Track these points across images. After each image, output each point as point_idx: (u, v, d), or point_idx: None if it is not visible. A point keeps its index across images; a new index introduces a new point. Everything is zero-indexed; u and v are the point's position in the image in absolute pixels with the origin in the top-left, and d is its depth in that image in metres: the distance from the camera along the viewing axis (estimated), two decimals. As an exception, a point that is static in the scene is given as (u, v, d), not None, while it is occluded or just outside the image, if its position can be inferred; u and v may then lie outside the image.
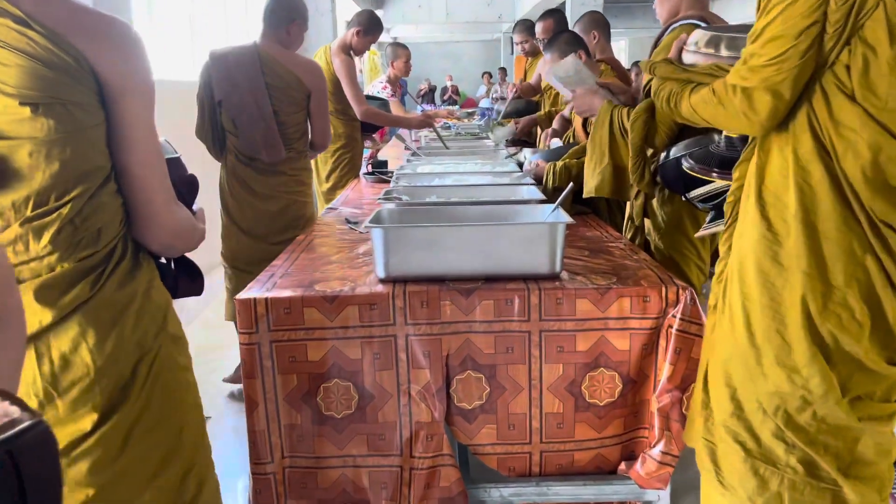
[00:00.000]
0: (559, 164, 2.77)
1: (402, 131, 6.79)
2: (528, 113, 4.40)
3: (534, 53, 4.87)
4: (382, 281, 1.86)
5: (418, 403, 1.80)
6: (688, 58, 1.73)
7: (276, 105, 3.03)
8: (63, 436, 1.17)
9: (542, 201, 2.26)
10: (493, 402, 1.82)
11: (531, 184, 2.68)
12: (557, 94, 4.06)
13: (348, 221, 2.67)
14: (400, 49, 5.22)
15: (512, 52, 13.38)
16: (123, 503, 1.22)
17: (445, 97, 16.94)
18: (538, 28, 4.09)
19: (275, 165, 3.07)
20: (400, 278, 1.85)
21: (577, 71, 2.50)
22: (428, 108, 12.28)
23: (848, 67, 1.26)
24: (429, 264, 1.83)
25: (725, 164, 1.83)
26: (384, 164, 3.83)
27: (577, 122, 3.01)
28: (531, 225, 1.89)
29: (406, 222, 2.07)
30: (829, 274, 1.32)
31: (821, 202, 1.31)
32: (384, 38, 17.77)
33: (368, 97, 4.09)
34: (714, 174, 1.86)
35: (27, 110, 1.09)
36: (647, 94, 2.12)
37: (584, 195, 2.53)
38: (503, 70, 10.85)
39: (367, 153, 4.17)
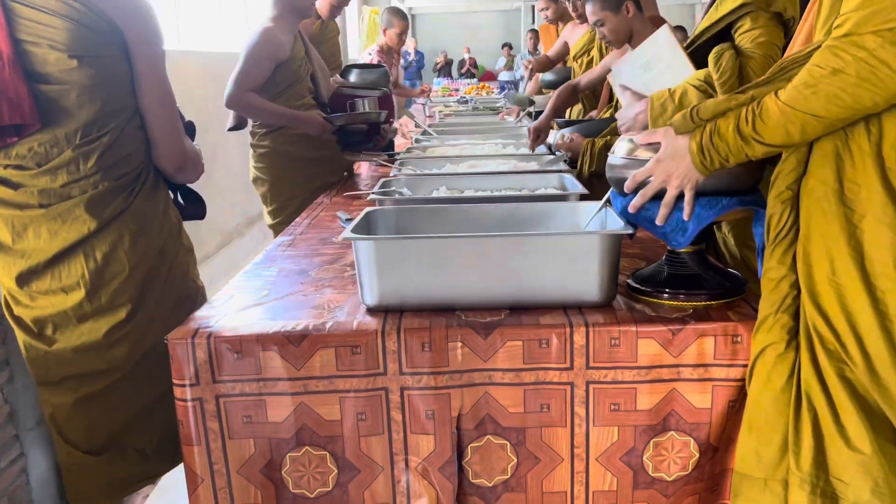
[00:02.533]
0: (599, 141, 2.25)
1: (415, 108, 6.25)
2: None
3: (559, 20, 4.30)
4: (371, 311, 1.37)
5: (420, 480, 1.32)
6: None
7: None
8: (104, 324, 1.53)
9: (584, 196, 1.75)
10: (521, 478, 1.33)
11: (565, 170, 2.16)
12: (590, 61, 3.51)
13: (342, 219, 2.18)
14: (396, 17, 4.37)
15: (533, 21, 12.71)
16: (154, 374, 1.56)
17: (463, 70, 16.29)
18: None
19: None
20: (394, 307, 1.36)
21: (671, 53, 1.87)
22: (444, 81, 11.69)
23: None
24: (433, 288, 1.34)
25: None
26: (390, 144, 3.30)
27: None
28: (575, 236, 1.38)
29: (404, 227, 1.57)
30: None
31: None
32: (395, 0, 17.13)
33: (362, 65, 3.54)
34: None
35: (74, 62, 1.41)
36: None
37: None
38: (534, 33, 9.65)
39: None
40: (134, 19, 1.47)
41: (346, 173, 3.01)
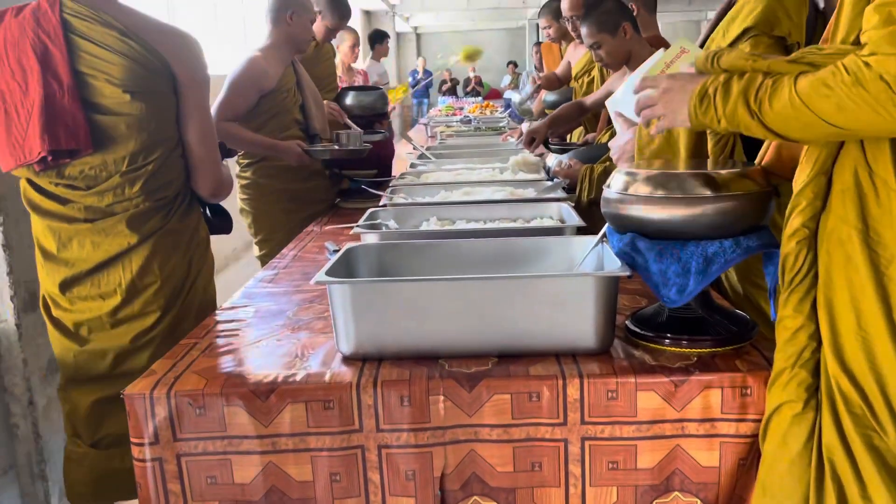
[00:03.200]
0: (598, 168, 2.15)
1: (418, 128, 6.16)
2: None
3: (561, 38, 4.21)
4: (347, 359, 1.26)
5: (399, 546, 1.20)
6: None
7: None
8: (132, 329, 1.64)
9: (581, 229, 1.64)
10: (511, 544, 1.21)
11: (563, 198, 2.06)
12: (591, 81, 3.42)
13: (329, 251, 2.07)
14: (346, 31, 4.09)
15: (538, 39, 12.68)
16: None
17: (468, 89, 16.25)
18: (564, 4, 3.41)
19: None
20: (372, 355, 1.25)
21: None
22: (449, 100, 11.64)
23: None
24: (414, 336, 1.23)
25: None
26: (387, 170, 3.18)
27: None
28: (568, 278, 1.27)
29: (388, 266, 1.46)
30: None
31: None
32: (403, 28, 17.15)
33: (359, 88, 3.45)
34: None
35: (128, 96, 1.55)
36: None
37: None
38: (539, 46, 9.43)
39: None
40: (184, 61, 1.63)
41: (338, 199, 2.91)
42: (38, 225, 1.64)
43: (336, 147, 2.68)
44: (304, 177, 2.74)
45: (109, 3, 1.58)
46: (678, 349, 1.24)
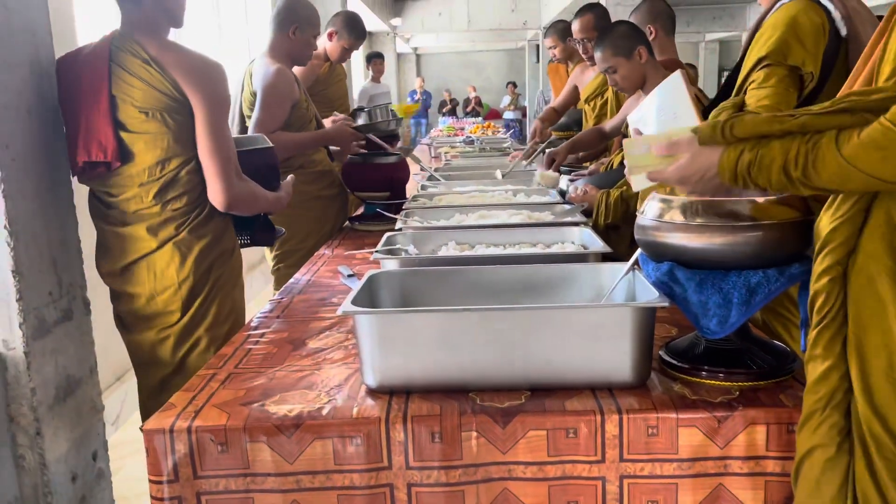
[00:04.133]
0: (614, 193, 2.11)
1: (420, 148, 6.14)
2: (578, 126, 3.71)
3: (567, 59, 4.19)
4: (373, 392, 1.21)
5: (429, 590, 1.15)
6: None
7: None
8: (158, 323, 1.86)
9: (606, 256, 1.60)
10: (546, 587, 1.16)
11: (583, 222, 2.02)
12: (604, 103, 3.39)
13: (343, 275, 2.03)
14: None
15: (538, 61, 12.75)
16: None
17: (468, 109, 16.32)
18: (575, 26, 3.40)
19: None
20: (399, 388, 1.20)
21: (679, 102, 1.70)
22: (449, 120, 11.65)
23: None
24: (443, 368, 1.19)
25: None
26: (401, 190, 3.12)
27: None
28: (605, 309, 1.22)
29: (411, 293, 1.42)
30: None
31: None
32: (403, 49, 17.24)
33: (371, 108, 3.42)
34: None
35: (143, 116, 1.76)
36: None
37: None
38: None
39: None
40: (197, 84, 1.78)
41: (346, 222, 2.88)
42: (96, 227, 1.91)
43: (379, 120, 2.83)
44: (328, 184, 2.82)
45: (149, 36, 1.79)
46: (717, 382, 1.20)
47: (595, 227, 2.11)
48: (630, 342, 1.16)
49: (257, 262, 5.08)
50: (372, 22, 10.96)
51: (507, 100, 16.29)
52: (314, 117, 2.79)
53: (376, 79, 8.58)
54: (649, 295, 1.22)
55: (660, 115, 1.76)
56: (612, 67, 2.33)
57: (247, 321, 1.69)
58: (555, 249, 1.78)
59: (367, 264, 2.17)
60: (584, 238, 1.83)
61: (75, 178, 1.85)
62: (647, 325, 1.17)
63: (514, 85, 16.44)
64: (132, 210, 1.80)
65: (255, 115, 2.58)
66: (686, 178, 1.06)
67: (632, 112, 2.63)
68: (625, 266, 1.37)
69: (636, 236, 1.28)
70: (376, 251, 1.67)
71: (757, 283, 1.13)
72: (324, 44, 3.24)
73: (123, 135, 1.76)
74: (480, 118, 13.13)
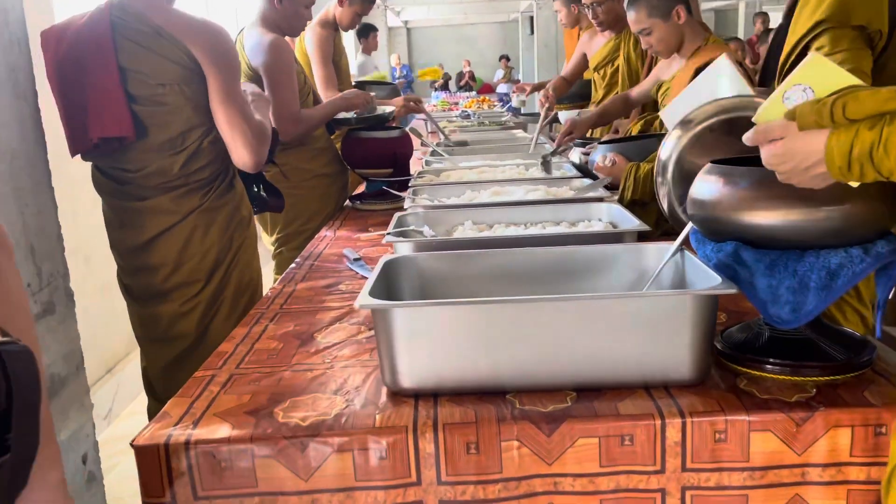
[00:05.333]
0: (644, 167, 1.95)
1: (417, 123, 5.95)
2: (587, 97, 3.54)
3: (574, 24, 3.99)
4: (397, 395, 1.07)
5: None
6: None
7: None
8: (182, 295, 1.84)
9: (645, 236, 1.46)
10: None
11: (608, 198, 1.87)
12: (615, 71, 3.22)
13: (349, 259, 1.88)
14: None
15: (532, 33, 12.49)
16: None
17: (462, 83, 16.05)
18: None
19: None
20: (427, 390, 1.06)
21: (735, 90, 1.53)
22: (443, 95, 11.42)
23: None
24: (476, 366, 1.04)
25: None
26: (404, 168, 2.93)
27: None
28: (662, 297, 1.07)
29: (431, 280, 1.27)
30: None
31: None
32: (394, 21, 16.89)
33: (371, 83, 3.25)
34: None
35: (160, 88, 1.72)
36: None
37: None
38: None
39: None
40: (209, 53, 1.72)
41: (347, 201, 2.72)
42: (104, 205, 1.87)
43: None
44: (328, 160, 2.70)
45: (151, 5, 1.72)
46: (786, 377, 1.05)
47: (620, 202, 1.96)
48: (690, 334, 1.01)
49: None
50: (362, -6, 10.67)
51: (500, 73, 16.04)
52: (310, 91, 2.61)
53: (367, 53, 8.39)
54: (704, 279, 1.07)
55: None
56: (647, 29, 2.17)
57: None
58: (581, 228, 1.63)
59: (373, 247, 2.01)
60: (614, 214, 1.67)
61: (77, 156, 1.81)
62: (709, 315, 1.02)
63: (508, 59, 16.17)
64: (154, 184, 1.78)
65: (272, 96, 2.35)
66: (781, 168, 0.90)
67: (662, 77, 2.47)
68: (671, 246, 1.23)
69: (689, 210, 1.13)
70: (389, 233, 1.51)
71: (838, 265, 0.98)
72: (333, 10, 3.04)
73: (136, 108, 1.71)
74: (474, 92, 12.90)
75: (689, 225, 1.19)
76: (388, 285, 1.24)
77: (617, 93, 2.97)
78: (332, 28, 3.09)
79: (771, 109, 0.93)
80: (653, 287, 1.20)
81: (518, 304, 1.04)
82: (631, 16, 2.20)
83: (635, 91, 2.63)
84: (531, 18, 12.60)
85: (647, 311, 1.02)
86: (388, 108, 2.69)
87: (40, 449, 0.62)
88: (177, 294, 1.84)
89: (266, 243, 2.78)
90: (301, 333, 1.36)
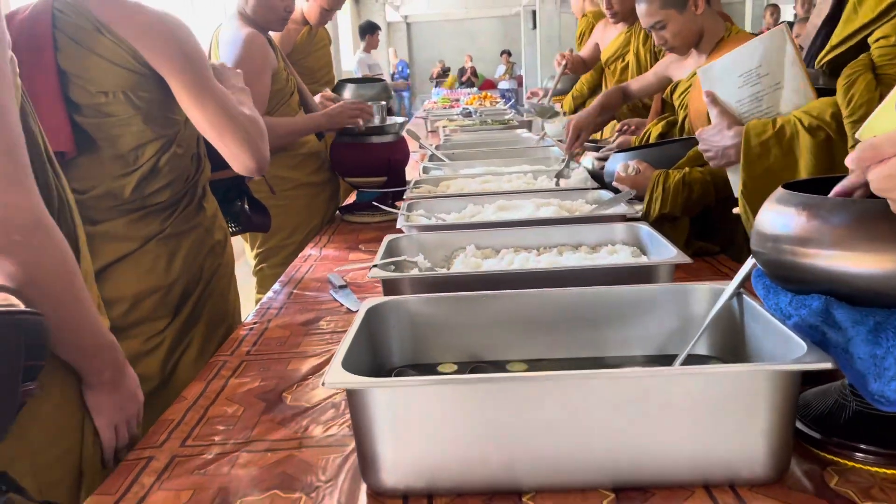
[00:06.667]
0: (674, 175, 1.70)
1: (415, 122, 5.69)
2: (591, 93, 3.27)
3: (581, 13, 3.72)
4: (379, 496, 0.82)
5: None
6: None
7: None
8: (144, 332, 1.54)
9: (677, 270, 1.21)
10: None
11: (630, 212, 1.62)
12: (625, 67, 2.97)
13: (334, 286, 1.63)
14: None
15: (534, 27, 12.22)
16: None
17: (464, 78, 15.77)
18: None
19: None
20: (419, 490, 0.81)
21: (786, 68, 1.28)
22: (444, 91, 11.17)
23: None
24: (483, 457, 0.79)
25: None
26: (400, 178, 2.63)
27: (694, 106, 1.92)
28: (733, 372, 0.81)
29: (424, 329, 1.02)
30: None
31: None
32: (394, 17, 16.62)
33: (359, 80, 2.99)
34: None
35: (100, 96, 1.42)
36: None
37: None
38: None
39: None
40: (163, 50, 1.43)
41: (337, 211, 2.47)
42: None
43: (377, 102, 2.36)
44: (316, 168, 2.44)
45: None
46: (879, 469, 0.80)
47: (646, 218, 1.71)
48: (767, 419, 0.76)
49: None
50: (360, -12, 10.41)
51: (501, 69, 15.78)
52: (295, 89, 2.35)
53: (367, 51, 8.23)
54: (779, 342, 0.83)
55: (756, 82, 1.35)
56: (661, 22, 1.91)
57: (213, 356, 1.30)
58: (604, 255, 1.38)
59: (363, 268, 1.77)
60: (642, 237, 1.43)
61: None
62: (791, 395, 0.77)
63: (509, 54, 15.90)
64: (106, 206, 1.51)
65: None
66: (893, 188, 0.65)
67: (670, 75, 2.21)
68: (724, 287, 0.98)
69: (754, 248, 0.89)
70: (376, 265, 1.26)
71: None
72: (300, 4, 2.79)
73: (80, 119, 1.43)
74: (476, 88, 12.64)
75: (750, 262, 0.95)
76: (372, 340, 0.99)
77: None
78: (299, 24, 2.84)
79: (881, 120, 0.69)
80: (700, 344, 0.95)
81: (537, 380, 0.79)
82: (641, 8, 1.93)
83: (635, 85, 2.33)
84: (533, 13, 12.33)
85: (710, 389, 0.77)
86: (400, 119, 2.42)
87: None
88: (138, 331, 1.55)
89: (248, 258, 2.54)
90: (267, 393, 1.11)
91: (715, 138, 1.42)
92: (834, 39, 1.24)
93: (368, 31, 8.27)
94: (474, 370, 1.01)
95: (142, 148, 1.49)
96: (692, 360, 0.97)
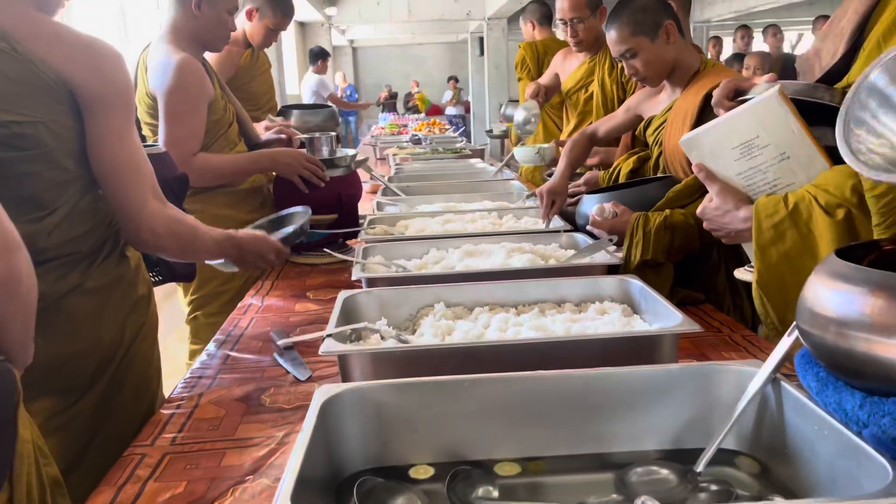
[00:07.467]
0: (654, 217, 1.55)
1: (364, 147, 5.50)
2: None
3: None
4: None
5: None
6: None
7: None
8: (55, 406, 1.26)
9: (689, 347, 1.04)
10: None
11: (618, 265, 1.45)
12: (588, 98, 2.84)
13: (278, 348, 1.41)
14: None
15: (482, 54, 12.22)
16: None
17: (409, 104, 15.67)
18: (564, 4, 2.73)
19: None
20: None
21: (791, 136, 1.14)
22: (391, 117, 11.02)
23: None
24: None
25: None
26: (353, 218, 2.19)
27: (671, 143, 1.78)
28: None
29: (392, 426, 0.83)
30: None
31: None
32: (340, 41, 16.45)
33: (304, 106, 2.79)
34: None
35: (13, 126, 1.16)
36: None
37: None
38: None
39: None
40: (91, 81, 1.22)
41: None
42: None
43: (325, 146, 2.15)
44: (262, 204, 2.23)
45: (17, 15, 1.18)
46: None
47: (626, 264, 1.55)
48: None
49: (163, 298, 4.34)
50: (305, 11, 10.21)
51: (448, 95, 15.76)
52: (234, 119, 2.13)
53: (318, 73, 8.11)
54: (850, 454, 0.66)
55: (757, 154, 1.20)
56: (632, 50, 1.77)
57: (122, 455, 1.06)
58: (593, 315, 1.21)
59: (311, 323, 1.55)
60: (634, 293, 1.26)
61: None
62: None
63: (456, 80, 15.90)
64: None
65: (163, 129, 1.89)
66: None
67: (642, 114, 2.08)
68: (758, 371, 0.82)
69: (801, 325, 0.72)
70: (329, 335, 1.05)
71: None
72: (242, 25, 2.58)
73: None
74: (423, 114, 12.54)
75: (788, 340, 0.79)
76: (329, 440, 0.79)
77: (590, 122, 2.54)
78: (240, 46, 2.63)
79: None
80: (730, 437, 0.78)
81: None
82: (612, 35, 1.79)
83: (603, 127, 2.16)
84: (481, 39, 12.34)
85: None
86: (351, 151, 2.21)
87: None
88: (42, 405, 1.26)
89: (181, 303, 2.28)
90: (206, 463, 0.89)
91: (723, 220, 1.25)
92: (853, 75, 1.11)
93: (321, 56, 8.16)
94: (455, 475, 0.82)
95: (61, 187, 1.25)
96: (719, 455, 0.80)
